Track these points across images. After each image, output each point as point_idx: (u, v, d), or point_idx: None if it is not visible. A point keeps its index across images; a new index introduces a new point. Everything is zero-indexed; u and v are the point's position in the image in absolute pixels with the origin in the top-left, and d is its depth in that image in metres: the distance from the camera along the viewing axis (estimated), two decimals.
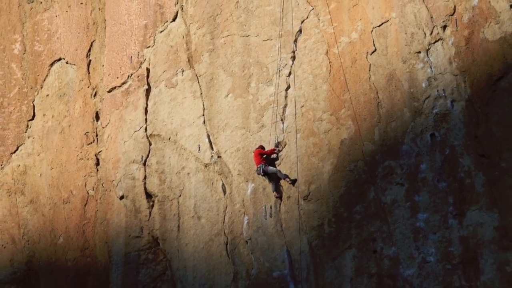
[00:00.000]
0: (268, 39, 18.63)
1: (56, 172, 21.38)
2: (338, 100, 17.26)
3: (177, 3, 20.43)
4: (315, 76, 17.71)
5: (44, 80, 22.42)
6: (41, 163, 21.73)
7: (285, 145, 17.75)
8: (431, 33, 16.49)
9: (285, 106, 17.97)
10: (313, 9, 18.14)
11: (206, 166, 18.85)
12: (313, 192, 17.07)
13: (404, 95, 16.47)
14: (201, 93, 19.37)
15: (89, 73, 21.77)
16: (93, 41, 21.97)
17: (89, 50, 21.97)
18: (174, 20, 20.40)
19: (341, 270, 16.35)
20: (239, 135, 18.48)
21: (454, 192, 15.49)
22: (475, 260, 15.00)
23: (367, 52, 17.16)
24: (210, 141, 18.97)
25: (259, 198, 17.85)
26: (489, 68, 15.63)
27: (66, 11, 22.52)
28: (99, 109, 21.27)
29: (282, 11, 18.45)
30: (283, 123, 17.89)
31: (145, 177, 19.71)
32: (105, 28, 21.72)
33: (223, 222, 18.24)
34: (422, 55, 16.49)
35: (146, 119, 20.13)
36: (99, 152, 20.94)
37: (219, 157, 18.73)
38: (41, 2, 23.04)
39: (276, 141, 17.84)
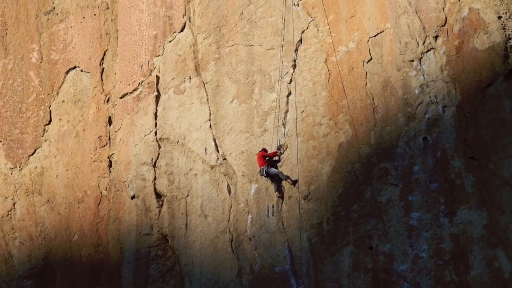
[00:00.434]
0: (270, 49, 18.61)
1: (71, 174, 21.32)
2: (336, 106, 17.23)
3: (185, 14, 20.37)
4: (315, 83, 17.70)
5: (60, 87, 22.31)
6: (57, 165, 21.65)
7: (286, 148, 17.75)
8: (423, 43, 16.47)
9: (287, 111, 17.96)
10: (312, 20, 18.11)
11: (212, 168, 18.85)
12: (313, 192, 17.07)
13: (398, 101, 16.46)
14: (208, 99, 19.35)
15: (102, 80, 21.69)
16: (106, 50, 21.88)
17: (102, 59, 21.87)
18: (182, 30, 20.34)
19: (339, 265, 16.35)
20: (243, 139, 18.47)
21: (445, 192, 15.49)
22: (465, 256, 15.03)
23: (364, 61, 17.14)
24: (216, 144, 18.95)
25: (262, 197, 17.86)
26: (478, 75, 15.64)
27: (81, 22, 22.46)
28: (112, 114, 21.20)
29: (284, 22, 18.42)
30: (284, 127, 17.88)
31: (155, 178, 19.69)
32: (117, 38, 21.65)
33: (228, 221, 18.24)
34: (415, 63, 16.48)
35: (155, 124, 20.08)
36: (112, 154, 20.87)
37: (224, 159, 18.71)
38: (57, 14, 22.94)
39: (278, 144, 17.83)
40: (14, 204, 22.10)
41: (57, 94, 22.29)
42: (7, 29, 23.69)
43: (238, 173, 18.40)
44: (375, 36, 17.12)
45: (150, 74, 20.52)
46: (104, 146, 21.09)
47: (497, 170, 15.02)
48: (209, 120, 19.20)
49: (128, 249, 19.54)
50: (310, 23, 18.13)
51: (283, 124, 17.90)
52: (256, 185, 17.99)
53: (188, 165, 19.23)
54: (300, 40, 18.20)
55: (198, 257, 18.45)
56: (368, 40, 17.18)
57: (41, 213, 21.54)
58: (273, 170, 17.43)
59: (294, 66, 18.11)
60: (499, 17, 15.64)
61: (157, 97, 20.24)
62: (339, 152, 16.94)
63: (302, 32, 18.20)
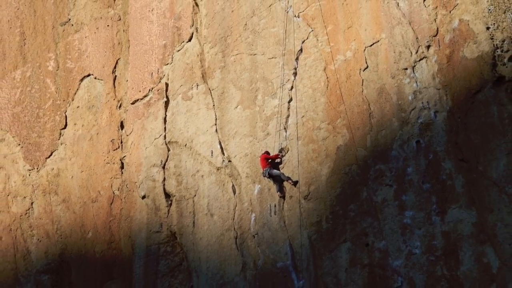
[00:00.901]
0: (272, 57, 18.62)
1: (85, 175, 21.39)
2: (334, 111, 17.23)
3: (192, 25, 20.40)
4: (314, 90, 17.70)
5: (75, 94, 22.40)
6: (72, 167, 21.72)
7: (287, 151, 17.75)
8: (416, 52, 16.43)
9: (288, 116, 17.96)
10: (312, 30, 18.10)
11: (218, 169, 18.86)
12: (313, 192, 17.07)
13: (393, 106, 16.44)
14: (214, 105, 19.38)
15: (114, 87, 21.75)
16: (118, 59, 21.93)
17: (115, 67, 21.91)
18: (190, 40, 20.36)
19: (337, 261, 16.34)
20: (247, 142, 18.50)
21: (437, 192, 15.45)
22: (455, 252, 14.98)
23: (360, 69, 17.11)
24: (221, 147, 18.96)
25: (264, 197, 17.85)
26: (468, 83, 15.59)
27: (95, 33, 22.56)
28: (124, 119, 21.26)
29: (285, 32, 18.42)
30: (286, 131, 17.89)
31: (164, 179, 19.73)
32: (128, 47, 21.72)
33: (233, 219, 18.25)
34: (408, 71, 16.43)
35: (165, 128, 20.12)
36: (124, 157, 20.92)
37: (229, 161, 18.73)
38: (73, 25, 23.04)
39: (280, 147, 17.84)
40: (32, 203, 22.20)
41: (72, 100, 22.38)
42: (25, 39, 23.83)
43: (242, 174, 18.43)
44: (371, 45, 17.10)
45: (160, 81, 20.56)
46: (116, 149, 21.16)
47: (486, 172, 14.99)
48: (215, 124, 19.22)
49: (139, 245, 19.59)
50: (310, 34, 18.13)
51: (285, 128, 17.91)
52: (259, 186, 18.00)
53: (196, 167, 19.26)
54: (301, 50, 18.19)
55: (204, 253, 18.47)
56: (365, 50, 17.17)
57: (57, 212, 21.62)
58: (275, 171, 17.44)
59: (295, 74, 18.11)
60: (488, 28, 15.59)
61: (166, 103, 20.27)
62: (337, 155, 16.94)
63: (303, 42, 18.20)
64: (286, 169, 17.59)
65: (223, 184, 18.67)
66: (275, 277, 17.20)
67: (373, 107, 16.69)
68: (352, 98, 17.03)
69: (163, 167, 19.82)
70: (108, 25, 22.40)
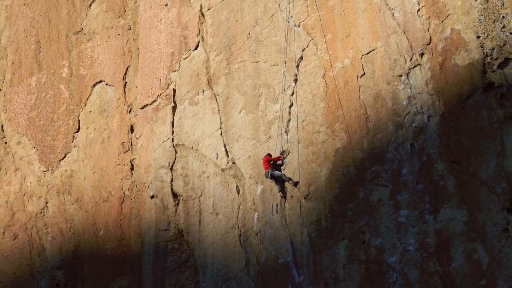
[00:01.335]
0: (274, 65, 18.62)
1: (97, 176, 21.33)
2: (333, 116, 17.25)
3: (199, 34, 20.40)
4: (314, 96, 17.71)
5: (87, 99, 22.33)
6: (85, 168, 21.66)
7: (289, 153, 17.75)
8: (410, 60, 16.46)
9: (289, 120, 17.96)
10: (312, 39, 18.13)
11: (222, 171, 18.86)
12: (312, 192, 17.08)
13: (388, 111, 16.46)
14: (219, 110, 19.37)
15: (125, 93, 21.68)
16: (128, 66, 21.84)
17: (125, 74, 21.83)
18: (196, 48, 20.34)
19: (336, 257, 16.35)
20: (250, 145, 18.49)
21: (430, 193, 15.47)
22: (447, 249, 15.02)
23: (357, 76, 17.12)
24: (226, 150, 18.94)
25: (267, 197, 17.85)
26: (459, 89, 15.63)
27: (106, 41, 22.52)
28: (133, 123, 21.17)
29: (286, 41, 18.42)
30: (287, 134, 17.89)
31: (172, 180, 19.69)
32: (138, 55, 21.66)
33: (237, 218, 18.25)
34: (403, 78, 16.45)
35: (172, 131, 20.09)
36: (134, 159, 20.84)
37: (233, 163, 18.72)
38: (85, 34, 22.99)
39: (281, 150, 17.85)
40: (46, 203, 22.13)
41: (85, 105, 22.32)
42: (40, 47, 23.79)
43: (245, 175, 18.43)
44: (368, 53, 17.12)
45: (168, 87, 20.53)
46: (126, 151, 21.08)
47: (476, 173, 15.03)
48: (220, 128, 19.22)
49: (148, 243, 19.56)
50: (310, 42, 18.15)
51: (286, 132, 17.91)
52: (262, 186, 18.00)
53: (202, 168, 19.25)
54: (301, 57, 18.20)
55: (210, 250, 18.46)
56: (362, 57, 17.18)
57: (71, 211, 21.56)
58: (277, 172, 17.44)
59: (296, 80, 18.11)
60: (478, 37, 15.65)
61: (174, 108, 20.24)
62: (336, 157, 16.94)
63: (303, 50, 18.21)
64: (287, 170, 17.59)
65: (228, 185, 18.66)
66: (277, 272, 17.20)
67: (370, 112, 16.70)
68: (350, 103, 17.03)
69: (171, 169, 19.79)
70: (118, 34, 22.34)
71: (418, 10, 16.57)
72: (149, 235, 19.57)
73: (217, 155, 19.01)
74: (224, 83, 19.46)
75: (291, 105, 18.04)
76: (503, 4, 15.49)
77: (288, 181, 17.41)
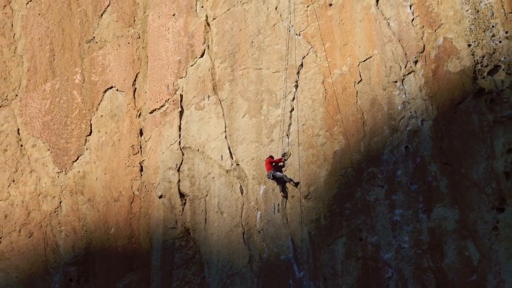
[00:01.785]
0: (276, 71, 18.62)
1: (108, 177, 21.31)
2: (332, 120, 17.26)
3: (204, 43, 20.39)
4: (314, 101, 17.73)
5: (99, 104, 22.31)
6: (96, 169, 21.64)
7: (290, 155, 17.76)
8: (405, 67, 16.47)
9: (290, 124, 17.96)
10: (312, 47, 18.14)
11: (227, 172, 18.86)
12: (312, 192, 17.08)
13: (384, 115, 16.47)
14: (223, 114, 19.37)
15: (134, 98, 21.67)
16: (138, 73, 21.82)
17: (135, 80, 21.81)
18: (202, 56, 20.33)
19: (334, 254, 16.35)
20: (253, 147, 18.49)
21: (424, 193, 15.47)
22: (440, 246, 15.02)
23: (355, 82, 17.13)
24: (230, 152, 18.93)
25: (269, 197, 17.86)
26: (451, 94, 15.65)
27: (117, 49, 22.51)
28: (143, 126, 21.17)
29: (287, 49, 18.44)
30: (288, 138, 17.89)
31: (179, 181, 19.67)
32: (147, 62, 21.64)
33: (241, 216, 18.24)
34: (398, 84, 16.46)
35: (179, 135, 20.07)
36: (143, 160, 20.83)
37: (237, 164, 18.71)
38: (97, 42, 22.96)
39: (283, 152, 17.84)
40: (60, 202, 22.10)
41: (97, 110, 22.32)
42: (54, 55, 23.78)
43: (249, 176, 18.44)
44: (365, 61, 17.12)
45: (175, 93, 20.52)
46: (136, 153, 21.08)
47: (467, 174, 15.06)
48: (225, 131, 19.21)
49: (156, 240, 19.53)
50: (309, 50, 18.16)
51: (287, 135, 17.92)
52: (264, 187, 18.00)
53: (207, 169, 19.25)
54: (301, 65, 18.20)
55: (215, 247, 18.44)
56: (359, 64, 17.19)
57: (83, 210, 21.57)
58: (278, 173, 17.43)
59: (296, 86, 18.12)
60: (469, 45, 15.68)
61: (181, 113, 20.23)
62: (334, 159, 16.95)
63: (303, 58, 18.22)
64: (288, 172, 17.60)
65: (232, 185, 18.66)
66: (278, 268, 17.19)
67: (367, 116, 16.71)
68: (348, 108, 17.04)
69: (178, 170, 19.77)
70: (128, 43, 22.34)
71: (412, 19, 16.60)
72: (158, 233, 19.55)
73: (221, 157, 19.01)
74: (228, 89, 19.47)
75: (292, 109, 18.06)
76: (492, 14, 15.52)
77: (289, 182, 17.42)
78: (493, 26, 15.46)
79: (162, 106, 20.71)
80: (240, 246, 17.97)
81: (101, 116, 22.16)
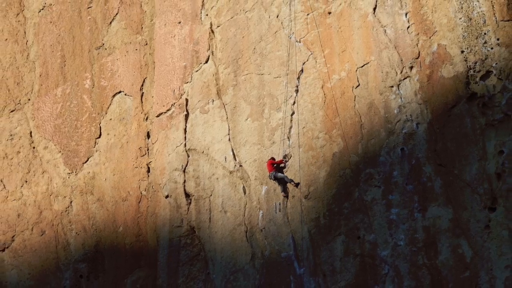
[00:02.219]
0: (277, 77, 18.61)
1: (117, 177, 21.27)
2: (330, 123, 17.26)
3: (209, 49, 20.38)
4: (313, 105, 17.72)
5: (108, 108, 22.30)
6: (105, 171, 21.62)
7: (290, 157, 17.75)
8: (401, 72, 16.47)
9: (291, 127, 17.96)
10: (311, 54, 18.13)
11: (230, 173, 18.86)
12: (312, 193, 17.08)
13: (381, 119, 16.47)
14: (227, 118, 19.35)
15: (142, 102, 21.65)
16: (145, 78, 21.78)
17: (142, 85, 21.79)
18: (206, 62, 20.30)
19: (333, 251, 16.35)
20: (256, 149, 18.48)
21: (419, 193, 15.47)
22: (434, 244, 15.03)
23: (353, 87, 17.11)
24: (233, 154, 18.92)
25: (271, 197, 17.85)
26: (445, 98, 15.65)
27: (125, 55, 22.49)
28: (150, 129, 21.12)
29: (288, 55, 18.43)
30: (289, 140, 17.87)
31: (184, 181, 19.66)
32: (154, 68, 21.60)
33: (244, 215, 18.23)
34: (394, 88, 16.45)
35: (185, 137, 20.04)
36: (150, 162, 20.80)
37: (240, 166, 18.70)
38: (106, 49, 22.95)
39: (284, 154, 17.84)
40: (71, 202, 22.09)
41: (106, 113, 22.31)
42: (65, 61, 23.77)
43: (251, 177, 18.43)
44: (362, 66, 17.12)
45: (181, 97, 20.51)
46: (143, 155, 21.05)
47: (460, 175, 15.08)
48: (228, 134, 19.20)
49: (163, 238, 19.52)
50: (309, 56, 18.16)
51: (288, 138, 17.91)
52: (266, 187, 17.99)
53: (211, 170, 19.25)
54: (302, 70, 18.19)
55: (219, 245, 18.43)
56: (357, 70, 17.19)
57: (93, 210, 21.57)
58: (280, 174, 17.43)
59: (297, 91, 18.10)
60: (462, 51, 15.69)
61: (186, 116, 20.22)
62: (333, 160, 16.96)
63: (303, 64, 18.22)
64: (289, 173, 17.60)
65: (235, 186, 18.66)
66: (279, 265, 17.20)
67: (364, 119, 16.71)
68: (346, 111, 17.04)
69: (184, 171, 19.76)
70: (136, 49, 22.32)
71: (408, 27, 16.61)
72: (164, 231, 19.54)
73: (225, 158, 19.00)
74: (232, 93, 19.46)
75: (293, 113, 18.06)
76: (484, 22, 15.54)
77: (290, 182, 17.43)
78: (485, 33, 15.50)
79: (168, 110, 20.70)
80: (243, 244, 17.97)
81: (110, 119, 22.16)
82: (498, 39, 15.29)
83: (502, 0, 15.38)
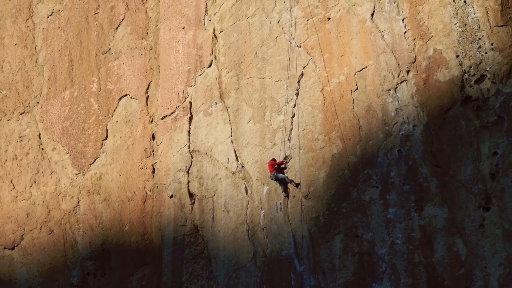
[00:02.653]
0: (278, 80, 18.60)
1: (123, 178, 21.28)
2: (330, 125, 17.25)
3: (212, 54, 20.36)
4: (313, 108, 17.71)
5: (114, 110, 22.30)
6: (112, 171, 21.64)
7: (291, 158, 17.75)
8: (398, 76, 16.48)
9: (291, 129, 17.97)
10: (311, 58, 18.12)
11: (233, 174, 18.86)
12: (312, 193, 17.09)
13: (379, 121, 16.47)
14: (229, 120, 19.34)
15: (147, 105, 21.62)
16: (150, 81, 21.78)
17: (147, 88, 21.76)
18: (209, 66, 20.29)
19: (332, 250, 16.36)
20: (257, 151, 18.48)
21: (415, 193, 15.49)
22: (430, 242, 15.06)
23: (351, 90, 17.11)
24: (236, 155, 18.92)
25: (272, 197, 17.85)
26: (440, 101, 15.66)
27: (131, 60, 22.49)
28: (155, 131, 21.11)
29: (289, 59, 18.43)
30: (289, 142, 17.86)
31: (188, 182, 19.65)
32: (159, 72, 21.58)
33: (246, 215, 18.25)
34: (391, 92, 16.46)
35: (189, 139, 20.03)
36: (155, 163, 20.80)
37: (242, 167, 18.71)
38: (112, 53, 22.94)
39: (285, 155, 17.85)
40: (78, 202, 22.14)
41: (112, 116, 22.31)
42: (73, 65, 23.78)
43: (253, 177, 18.44)
44: (360, 70, 17.11)
45: (185, 100, 20.49)
46: (148, 156, 21.04)
47: (456, 175, 15.09)
48: (231, 136, 19.19)
49: (167, 237, 19.53)
50: (309, 61, 18.16)
51: (289, 139, 17.90)
52: (267, 187, 18.00)
53: (214, 171, 19.25)
54: (302, 74, 18.18)
55: (222, 243, 18.44)
56: (355, 74, 17.18)
57: (100, 209, 21.60)
58: (280, 175, 17.45)
59: (297, 94, 18.11)
60: (457, 56, 15.70)
61: (190, 118, 20.20)
62: (332, 161, 16.96)
63: (303, 68, 18.21)
64: (289, 173, 17.60)
65: (237, 186, 18.66)
66: (280, 263, 17.20)
67: (362, 122, 16.71)
68: (345, 114, 17.04)
69: (188, 172, 19.75)
70: (141, 54, 22.31)
71: (405, 32, 16.62)
72: (169, 230, 19.55)
73: (228, 159, 19.01)
74: (234, 96, 19.47)
75: (293, 116, 18.07)
76: (479, 27, 15.56)
77: (290, 183, 17.43)
78: (479, 39, 15.51)
79: (172, 113, 20.70)
80: (245, 242, 17.97)
81: (116, 121, 22.16)
82: (492, 44, 15.31)
83: (496, 6, 15.42)
